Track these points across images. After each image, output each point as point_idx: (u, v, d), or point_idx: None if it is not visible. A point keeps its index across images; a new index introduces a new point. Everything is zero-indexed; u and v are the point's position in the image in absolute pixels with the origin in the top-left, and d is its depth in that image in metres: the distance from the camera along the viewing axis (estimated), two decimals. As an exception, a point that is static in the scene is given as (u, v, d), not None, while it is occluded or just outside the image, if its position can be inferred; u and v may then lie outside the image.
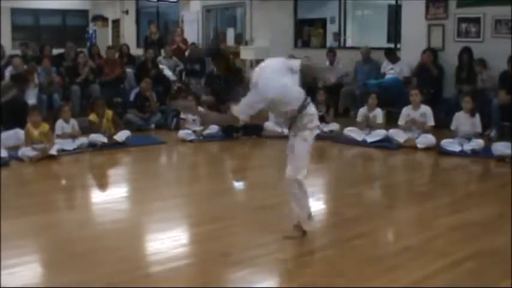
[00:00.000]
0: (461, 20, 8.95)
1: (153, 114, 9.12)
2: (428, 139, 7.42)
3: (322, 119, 8.43)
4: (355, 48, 10.86)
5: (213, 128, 8.33)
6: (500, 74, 8.19)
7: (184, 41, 12.87)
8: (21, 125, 7.19)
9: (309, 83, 9.64)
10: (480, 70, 8.38)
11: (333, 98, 9.70)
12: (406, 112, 7.75)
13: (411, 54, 9.41)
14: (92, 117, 7.75)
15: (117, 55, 11.02)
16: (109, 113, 7.82)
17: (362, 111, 8.08)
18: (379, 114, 7.99)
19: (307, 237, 4.22)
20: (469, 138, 7.15)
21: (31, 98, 8.74)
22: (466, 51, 8.66)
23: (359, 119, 8.05)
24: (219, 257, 3.78)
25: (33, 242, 4.17)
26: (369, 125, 7.92)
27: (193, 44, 12.43)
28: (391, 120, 8.52)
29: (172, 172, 6.99)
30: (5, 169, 6.25)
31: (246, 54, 12.79)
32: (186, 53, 12.52)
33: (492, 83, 8.30)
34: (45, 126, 7.09)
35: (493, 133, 7.91)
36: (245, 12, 13.19)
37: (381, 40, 11.58)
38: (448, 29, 9.12)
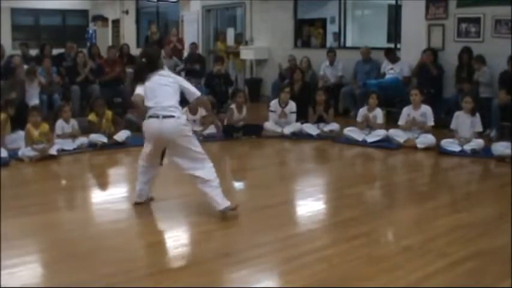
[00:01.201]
0: (461, 20, 8.95)
1: (153, 114, 9.10)
2: (428, 139, 7.42)
3: (322, 118, 8.49)
4: (355, 48, 10.87)
5: (213, 128, 8.33)
6: (500, 74, 8.19)
7: (180, 40, 12.88)
8: (22, 126, 7.19)
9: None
10: (478, 67, 8.39)
11: (333, 98, 9.72)
12: (406, 112, 7.75)
13: (411, 54, 9.40)
14: (91, 117, 7.76)
15: (117, 55, 11.01)
16: (109, 113, 7.83)
17: (362, 111, 8.08)
18: (379, 114, 7.99)
19: (307, 237, 4.23)
20: (468, 140, 7.16)
21: (34, 99, 8.73)
22: (466, 51, 8.66)
23: (359, 119, 8.05)
24: (219, 257, 3.78)
25: (33, 242, 4.17)
26: (369, 125, 7.92)
27: (193, 43, 12.44)
28: (391, 120, 8.52)
29: (172, 172, 6.97)
30: (5, 169, 6.24)
31: (246, 54, 12.81)
32: (185, 53, 12.54)
33: (488, 79, 8.30)
34: (45, 127, 7.09)
35: (493, 133, 7.91)
36: (245, 12, 13.19)
37: (381, 40, 11.58)
38: (448, 29, 9.12)
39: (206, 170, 4.53)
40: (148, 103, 4.56)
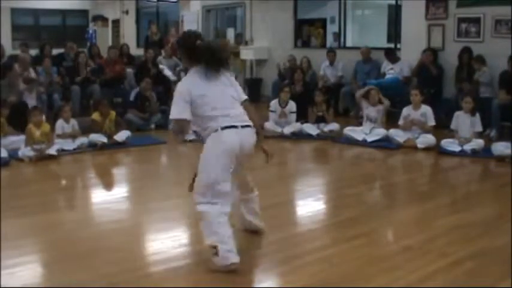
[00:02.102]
0: (461, 20, 8.95)
1: (153, 114, 9.13)
2: (428, 139, 7.42)
3: (322, 118, 8.49)
4: (355, 48, 10.87)
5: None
6: (500, 74, 8.20)
7: (179, 40, 12.86)
8: (22, 127, 7.18)
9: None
10: (478, 67, 8.39)
11: (333, 98, 9.72)
12: (406, 112, 7.76)
13: (411, 54, 9.41)
14: (95, 116, 7.77)
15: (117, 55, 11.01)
16: (112, 113, 7.85)
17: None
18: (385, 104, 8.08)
19: (307, 237, 4.23)
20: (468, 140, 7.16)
21: (31, 101, 8.72)
22: (466, 51, 8.66)
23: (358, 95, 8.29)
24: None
25: (33, 242, 4.17)
26: (369, 118, 7.97)
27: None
28: (391, 120, 8.52)
29: (173, 172, 6.99)
30: (5, 169, 6.25)
31: (246, 54, 12.81)
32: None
33: (488, 79, 8.30)
34: (47, 126, 7.11)
35: (493, 133, 7.91)
36: (245, 12, 13.20)
37: (381, 40, 11.59)
38: (448, 29, 9.12)
39: None
40: (211, 112, 3.58)
